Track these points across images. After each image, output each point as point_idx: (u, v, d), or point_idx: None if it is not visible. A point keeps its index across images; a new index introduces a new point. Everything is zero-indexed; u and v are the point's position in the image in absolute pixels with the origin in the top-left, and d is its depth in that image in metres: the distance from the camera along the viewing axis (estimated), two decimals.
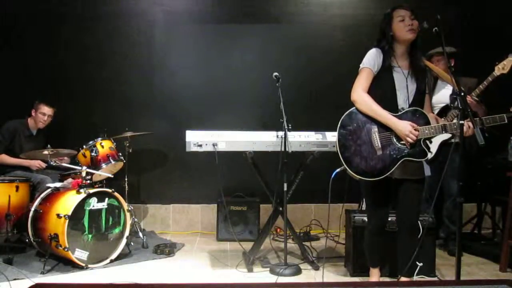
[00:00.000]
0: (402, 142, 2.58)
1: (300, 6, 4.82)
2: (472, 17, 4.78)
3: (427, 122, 2.59)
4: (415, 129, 2.54)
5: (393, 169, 2.57)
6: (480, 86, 3.42)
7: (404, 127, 2.54)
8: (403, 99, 2.62)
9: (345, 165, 2.63)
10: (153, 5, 4.74)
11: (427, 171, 2.67)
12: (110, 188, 3.64)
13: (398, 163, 2.57)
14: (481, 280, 2.84)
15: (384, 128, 2.60)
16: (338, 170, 2.75)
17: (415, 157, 2.57)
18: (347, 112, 2.69)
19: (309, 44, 4.79)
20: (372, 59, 2.64)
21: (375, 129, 2.62)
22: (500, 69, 3.28)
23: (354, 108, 2.68)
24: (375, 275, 2.91)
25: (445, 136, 3.50)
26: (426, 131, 2.55)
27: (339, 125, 2.68)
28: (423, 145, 2.57)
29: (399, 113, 2.61)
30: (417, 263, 2.91)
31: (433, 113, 3.65)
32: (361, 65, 2.69)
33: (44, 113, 4.18)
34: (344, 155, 2.63)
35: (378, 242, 2.85)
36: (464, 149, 3.54)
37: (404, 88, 2.62)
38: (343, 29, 4.81)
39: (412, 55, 2.67)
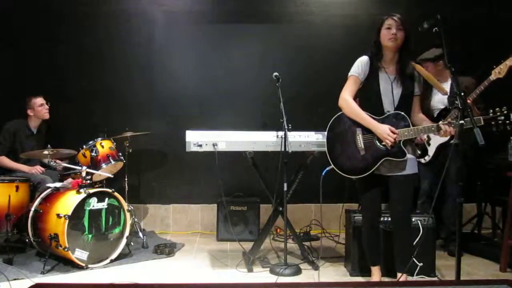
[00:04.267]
0: (383, 143, 2.75)
1: (300, 6, 4.82)
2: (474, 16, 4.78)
3: (408, 125, 2.75)
4: (393, 132, 2.70)
5: (374, 167, 2.76)
6: (477, 90, 3.44)
7: (382, 130, 2.72)
8: (388, 103, 2.80)
9: (332, 164, 2.87)
10: (153, 5, 4.74)
11: (414, 168, 2.82)
12: (110, 188, 3.64)
13: (379, 162, 2.76)
14: (481, 280, 2.85)
15: (367, 131, 2.81)
16: (327, 168, 3.04)
17: (394, 157, 2.74)
18: (335, 116, 2.90)
19: (309, 44, 4.79)
20: (358, 67, 2.85)
21: (359, 131, 2.82)
22: (496, 73, 3.31)
23: (341, 112, 2.88)
24: (376, 273, 2.96)
25: (443, 139, 3.56)
26: (406, 133, 2.73)
27: (328, 128, 2.92)
28: (402, 146, 2.74)
29: (382, 116, 2.78)
30: (417, 263, 2.92)
31: (433, 115, 3.70)
32: (349, 73, 2.89)
33: (41, 104, 4.19)
34: (331, 155, 2.89)
35: (373, 237, 2.96)
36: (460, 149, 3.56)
37: (389, 92, 2.79)
38: (343, 29, 4.81)
39: (401, 61, 2.82)
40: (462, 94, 2.37)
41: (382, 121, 2.77)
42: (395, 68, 2.82)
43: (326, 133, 2.91)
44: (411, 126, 2.74)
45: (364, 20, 4.71)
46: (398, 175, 2.78)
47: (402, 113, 2.76)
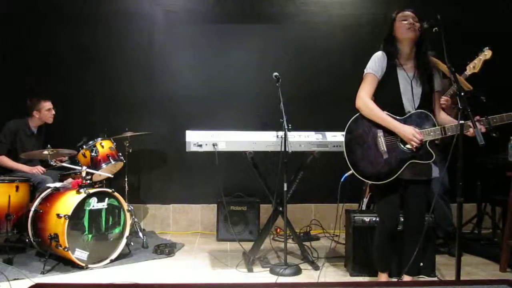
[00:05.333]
0: (407, 145, 2.61)
1: (300, 6, 4.82)
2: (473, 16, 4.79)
3: (433, 124, 2.61)
4: (418, 133, 2.56)
5: (399, 172, 2.60)
6: (453, 87, 3.41)
7: (406, 131, 2.57)
8: (408, 103, 2.65)
9: (352, 170, 2.68)
10: (153, 5, 4.74)
11: (436, 172, 2.69)
12: (110, 188, 3.64)
13: (404, 166, 2.60)
14: (481, 280, 2.85)
15: (389, 132, 2.64)
16: (347, 174, 2.90)
17: (421, 160, 2.60)
18: (353, 118, 2.75)
19: (309, 44, 4.80)
20: (376, 63, 2.67)
21: (380, 133, 2.66)
22: (471, 68, 3.30)
23: (359, 113, 2.72)
24: (383, 280, 2.84)
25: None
26: (431, 133, 2.58)
27: (345, 130, 2.74)
28: (428, 147, 2.59)
29: (404, 116, 2.64)
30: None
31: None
32: (365, 70, 2.71)
33: (49, 109, 4.19)
34: (350, 159, 2.69)
35: (389, 244, 2.79)
36: (445, 148, 3.58)
37: (409, 91, 2.64)
38: (343, 29, 4.81)
39: (418, 57, 2.68)
40: (463, 94, 2.36)
41: (404, 122, 2.61)
42: (413, 65, 2.68)
43: (344, 136, 2.74)
44: (436, 125, 2.60)
45: (364, 20, 4.73)
46: (419, 181, 2.65)
47: (426, 111, 2.62)
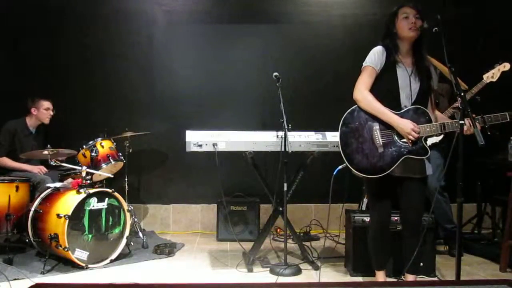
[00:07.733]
0: (403, 139, 2.62)
1: (300, 6, 4.82)
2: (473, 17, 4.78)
3: (429, 120, 2.62)
4: (416, 127, 2.56)
5: (394, 166, 2.60)
6: (471, 92, 3.46)
7: (405, 125, 2.57)
8: (406, 98, 2.65)
9: (346, 162, 2.66)
10: (153, 5, 4.74)
11: (429, 169, 2.68)
12: (110, 188, 3.64)
13: (400, 160, 2.60)
14: (481, 280, 2.85)
15: (385, 126, 2.64)
16: (340, 167, 2.85)
17: (416, 155, 2.60)
18: (349, 110, 2.72)
19: (309, 44, 4.79)
20: (375, 57, 2.66)
21: (376, 127, 2.65)
22: (489, 77, 3.36)
23: (356, 106, 2.71)
24: (380, 278, 2.85)
25: (436, 138, 3.54)
26: (428, 129, 2.59)
27: (341, 122, 2.71)
28: (424, 143, 2.60)
29: (401, 111, 2.64)
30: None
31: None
32: (364, 63, 2.71)
33: (48, 108, 4.19)
34: (345, 152, 2.67)
35: (382, 241, 2.80)
36: (448, 148, 3.58)
37: (407, 86, 2.64)
38: (343, 29, 4.81)
39: (416, 54, 2.69)
40: (462, 94, 2.36)
41: (401, 116, 2.61)
42: (412, 61, 2.68)
43: (339, 129, 2.70)
44: (432, 121, 2.61)
45: (364, 20, 4.73)
46: (413, 178, 2.63)
47: (422, 107, 2.63)
